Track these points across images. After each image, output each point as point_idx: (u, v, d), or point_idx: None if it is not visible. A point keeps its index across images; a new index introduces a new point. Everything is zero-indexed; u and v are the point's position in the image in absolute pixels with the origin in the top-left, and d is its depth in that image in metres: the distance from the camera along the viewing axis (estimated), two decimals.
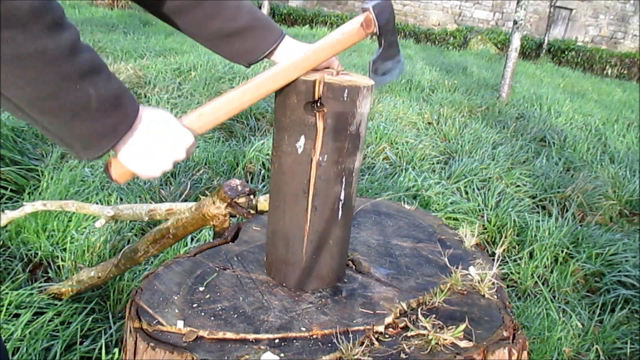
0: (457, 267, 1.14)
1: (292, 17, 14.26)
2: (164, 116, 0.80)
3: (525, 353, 0.96)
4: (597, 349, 1.97)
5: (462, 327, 0.93)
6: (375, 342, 0.91)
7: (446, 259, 1.18)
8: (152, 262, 2.02)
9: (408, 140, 4.05)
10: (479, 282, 1.11)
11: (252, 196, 1.41)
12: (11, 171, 2.55)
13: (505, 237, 2.74)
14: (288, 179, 0.99)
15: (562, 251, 2.65)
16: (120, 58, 5.61)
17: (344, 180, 0.99)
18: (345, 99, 0.92)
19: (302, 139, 0.94)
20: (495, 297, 1.08)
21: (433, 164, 3.77)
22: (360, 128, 0.97)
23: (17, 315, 1.64)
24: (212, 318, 0.95)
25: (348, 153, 0.97)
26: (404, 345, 0.90)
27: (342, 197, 1.00)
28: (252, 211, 1.46)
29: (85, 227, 2.21)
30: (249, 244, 1.23)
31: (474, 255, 1.26)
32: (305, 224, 1.02)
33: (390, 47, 1.06)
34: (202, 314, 0.96)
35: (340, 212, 1.02)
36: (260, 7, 13.51)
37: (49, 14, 0.60)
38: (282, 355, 0.86)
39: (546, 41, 13.80)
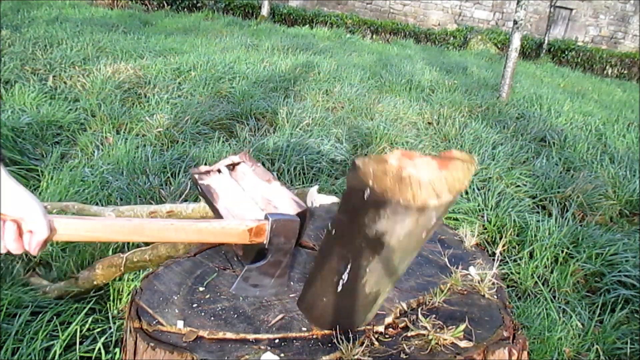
0: (457, 267, 1.14)
1: (292, 17, 14.25)
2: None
3: (525, 353, 0.96)
4: (597, 349, 1.97)
5: (462, 327, 0.93)
6: (375, 342, 0.91)
7: (446, 259, 1.18)
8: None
9: (408, 140, 4.05)
10: (479, 282, 1.11)
11: None
12: (11, 171, 2.55)
13: (505, 237, 2.74)
14: None
15: (562, 251, 2.65)
16: (120, 58, 5.61)
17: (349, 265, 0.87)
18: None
19: None
20: (495, 297, 1.08)
21: None
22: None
23: (16, 315, 1.64)
24: (212, 318, 0.95)
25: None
26: (404, 345, 0.90)
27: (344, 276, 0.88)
28: None
29: None
30: None
31: (474, 255, 1.26)
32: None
33: (275, 267, 0.99)
34: (202, 314, 0.96)
35: (340, 285, 0.89)
36: (260, 7, 13.53)
37: None
38: (282, 355, 0.86)
39: (546, 41, 13.78)
